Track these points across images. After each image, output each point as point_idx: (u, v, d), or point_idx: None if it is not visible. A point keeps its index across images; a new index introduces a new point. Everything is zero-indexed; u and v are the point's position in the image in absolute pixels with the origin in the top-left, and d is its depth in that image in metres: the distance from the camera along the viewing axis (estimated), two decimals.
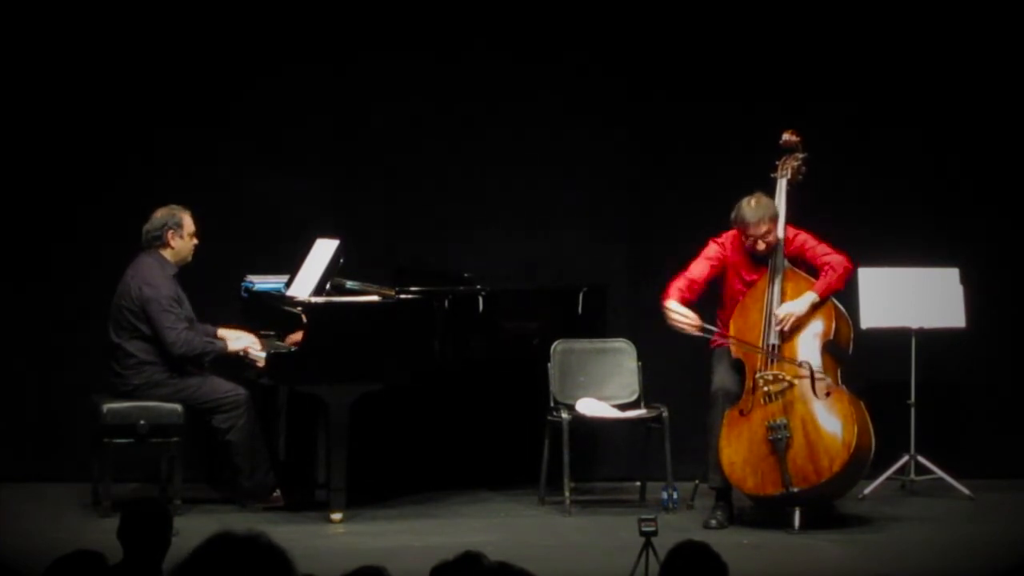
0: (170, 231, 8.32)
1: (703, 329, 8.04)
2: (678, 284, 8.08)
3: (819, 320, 8.07)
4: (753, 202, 8.05)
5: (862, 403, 8.03)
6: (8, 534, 7.48)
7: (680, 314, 8.01)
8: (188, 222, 8.36)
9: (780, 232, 8.12)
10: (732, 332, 8.10)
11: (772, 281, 8.10)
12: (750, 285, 8.18)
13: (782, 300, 8.06)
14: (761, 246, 8.08)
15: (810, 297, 8.05)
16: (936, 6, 9.35)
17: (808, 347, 8.04)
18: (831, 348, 8.05)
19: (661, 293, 8.12)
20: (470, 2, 9.34)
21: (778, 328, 8.02)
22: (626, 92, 9.34)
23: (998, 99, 9.38)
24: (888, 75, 9.35)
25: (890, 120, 9.34)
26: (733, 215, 8.09)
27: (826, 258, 8.11)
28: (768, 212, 8.05)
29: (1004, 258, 9.34)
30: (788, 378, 7.96)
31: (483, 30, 9.31)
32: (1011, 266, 9.35)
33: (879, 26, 9.33)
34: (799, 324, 8.04)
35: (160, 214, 8.36)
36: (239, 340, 8.39)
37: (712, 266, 8.16)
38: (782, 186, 8.21)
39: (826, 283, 8.08)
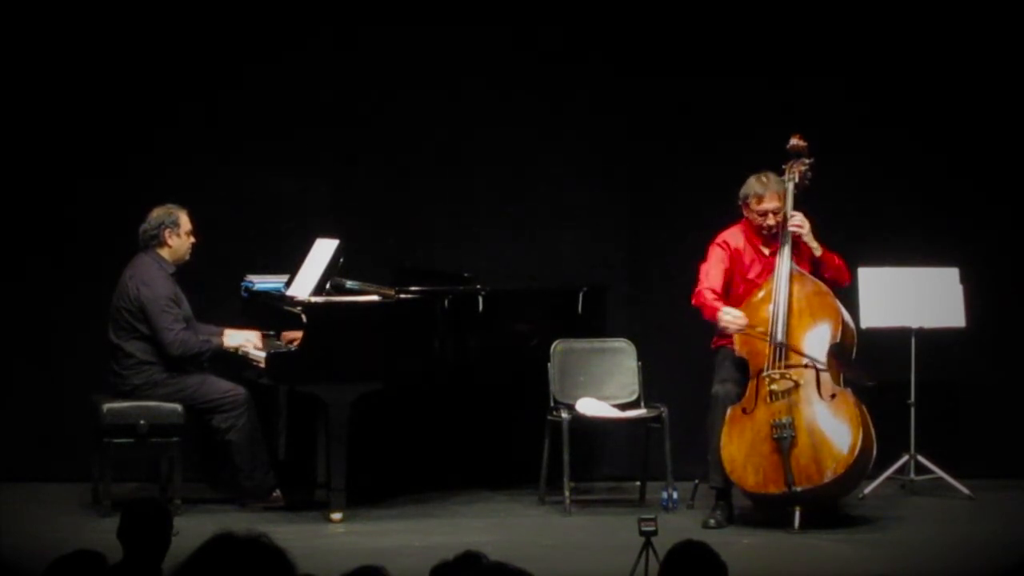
0: (167, 230, 8.33)
1: (751, 328, 8.05)
2: (709, 295, 8.10)
3: (827, 323, 8.09)
4: (764, 178, 8.19)
5: (864, 406, 8.04)
6: (8, 534, 7.47)
7: (735, 316, 8.03)
8: (185, 221, 8.36)
9: (789, 207, 8.15)
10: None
11: (779, 281, 8.10)
12: (753, 284, 8.20)
13: (789, 301, 8.07)
14: (771, 220, 8.14)
15: (815, 245, 8.15)
16: (936, 6, 9.35)
17: (814, 348, 8.05)
18: (835, 351, 8.06)
19: (700, 308, 8.11)
20: (470, 2, 9.34)
21: (793, 227, 8.08)
22: (628, 92, 9.34)
23: (998, 99, 9.38)
24: (889, 75, 9.35)
25: (890, 120, 9.34)
26: (743, 192, 8.21)
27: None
28: (779, 186, 8.17)
29: (1004, 258, 9.34)
30: (794, 378, 7.97)
31: (483, 30, 9.31)
32: (1011, 266, 9.35)
33: (880, 26, 9.33)
34: (808, 318, 8.07)
35: (157, 213, 8.36)
36: (235, 337, 8.39)
37: (725, 269, 8.21)
38: (789, 190, 8.24)
39: (829, 256, 8.20)
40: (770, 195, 8.16)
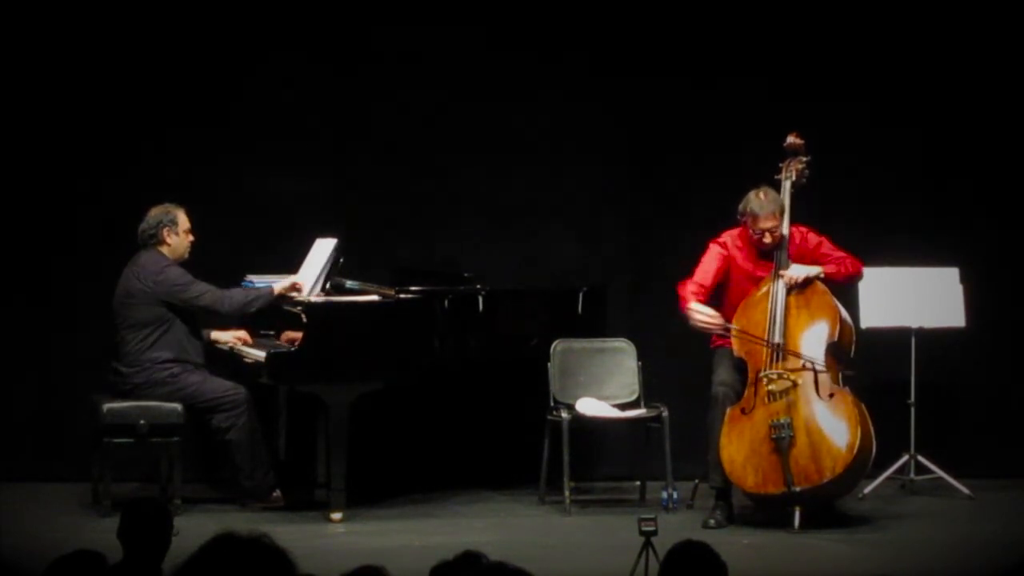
0: (166, 228, 8.33)
1: (725, 327, 8.06)
2: (690, 288, 8.11)
3: (824, 322, 8.08)
4: (762, 195, 8.13)
5: (863, 405, 8.04)
6: (8, 534, 7.47)
7: (705, 314, 8.03)
8: (183, 219, 8.37)
9: (785, 229, 8.16)
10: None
11: (776, 280, 8.11)
12: (751, 283, 8.20)
13: (787, 300, 8.08)
14: (768, 239, 8.12)
15: (817, 268, 8.13)
16: (936, 6, 9.35)
17: (812, 347, 8.05)
18: (834, 350, 8.07)
19: (676, 300, 8.13)
20: (468, 2, 9.34)
21: (787, 285, 8.05)
22: (627, 92, 9.34)
23: (998, 99, 9.38)
24: (889, 75, 9.35)
25: (890, 120, 9.34)
26: (741, 208, 8.15)
27: (841, 254, 8.21)
28: (776, 205, 8.13)
29: (1004, 258, 9.34)
30: (792, 378, 7.97)
31: (482, 30, 9.31)
32: (1011, 266, 9.35)
33: (880, 26, 9.34)
34: (806, 316, 8.06)
35: (155, 212, 8.37)
36: (283, 281, 8.34)
37: (717, 268, 8.19)
38: (786, 188, 8.25)
39: (836, 268, 8.18)
40: (766, 215, 8.11)
